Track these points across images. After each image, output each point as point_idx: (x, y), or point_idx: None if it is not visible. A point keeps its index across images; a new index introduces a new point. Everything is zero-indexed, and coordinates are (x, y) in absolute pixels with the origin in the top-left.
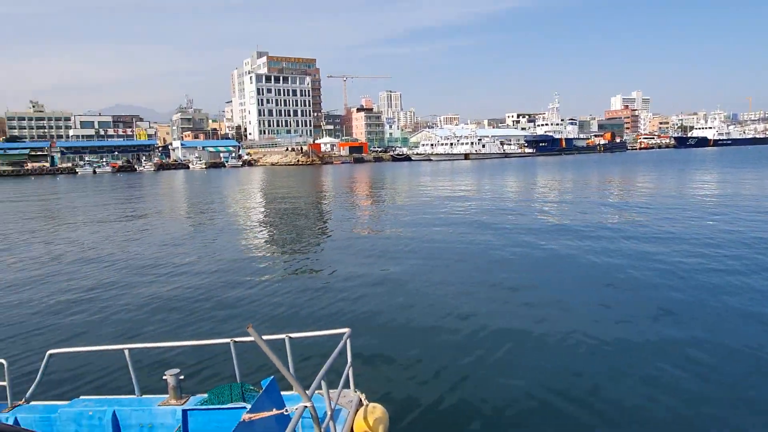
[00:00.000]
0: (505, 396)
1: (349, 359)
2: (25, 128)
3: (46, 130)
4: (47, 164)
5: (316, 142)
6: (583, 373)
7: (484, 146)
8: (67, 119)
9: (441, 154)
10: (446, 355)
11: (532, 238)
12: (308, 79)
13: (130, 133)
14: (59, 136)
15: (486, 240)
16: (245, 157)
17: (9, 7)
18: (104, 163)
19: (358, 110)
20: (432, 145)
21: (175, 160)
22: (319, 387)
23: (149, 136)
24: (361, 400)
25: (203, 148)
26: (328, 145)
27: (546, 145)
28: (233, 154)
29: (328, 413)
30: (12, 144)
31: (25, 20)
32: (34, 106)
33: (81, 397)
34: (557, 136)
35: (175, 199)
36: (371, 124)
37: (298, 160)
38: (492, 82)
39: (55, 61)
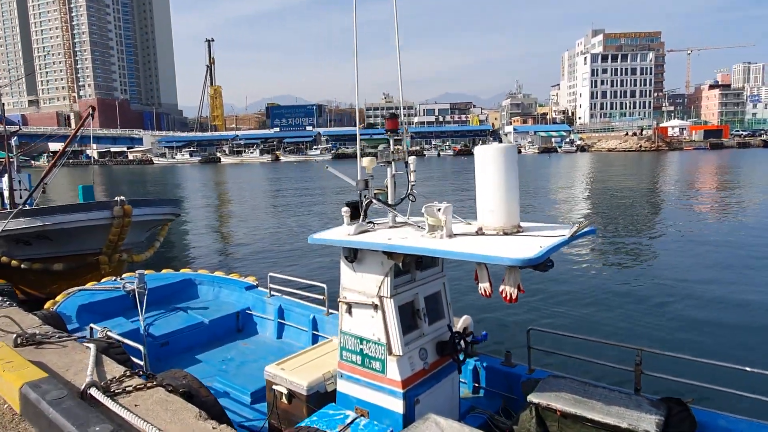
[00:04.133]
0: None
1: None
2: (378, 116)
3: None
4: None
5: (662, 125)
6: None
7: None
8: (411, 108)
9: None
10: None
11: None
12: (651, 54)
13: (464, 119)
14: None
15: None
16: (578, 142)
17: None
18: (447, 147)
19: (711, 87)
20: None
21: None
22: None
23: (481, 121)
24: None
25: (535, 132)
26: (677, 129)
27: None
28: (566, 139)
29: None
30: (373, 130)
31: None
32: (385, 98)
33: None
34: None
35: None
36: (728, 104)
37: (640, 146)
38: None
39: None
